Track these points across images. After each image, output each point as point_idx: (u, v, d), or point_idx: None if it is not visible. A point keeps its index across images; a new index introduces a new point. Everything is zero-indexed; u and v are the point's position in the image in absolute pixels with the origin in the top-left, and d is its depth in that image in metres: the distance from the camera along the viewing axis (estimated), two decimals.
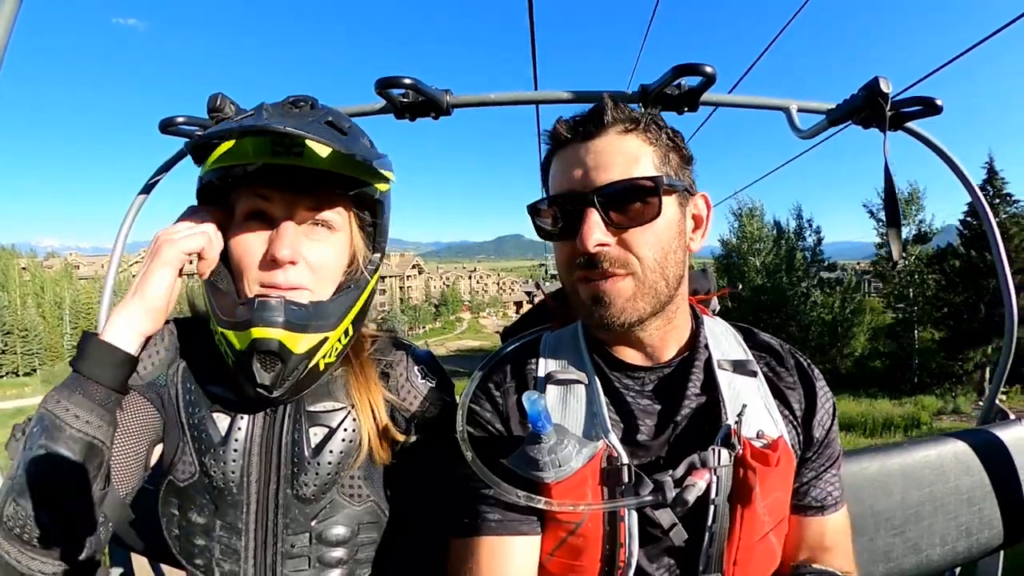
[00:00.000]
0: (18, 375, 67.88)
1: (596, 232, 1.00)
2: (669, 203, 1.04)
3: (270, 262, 1.03)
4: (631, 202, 1.01)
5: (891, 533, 1.62)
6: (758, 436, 1.03)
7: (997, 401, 1.92)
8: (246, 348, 1.01)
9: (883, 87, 1.48)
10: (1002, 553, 1.79)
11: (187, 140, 1.06)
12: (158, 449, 1.16)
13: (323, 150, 0.98)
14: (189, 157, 1.11)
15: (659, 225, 1.02)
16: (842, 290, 32.85)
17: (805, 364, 1.17)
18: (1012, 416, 1.88)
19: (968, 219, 26.64)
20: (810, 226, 34.45)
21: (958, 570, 1.80)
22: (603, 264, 1.02)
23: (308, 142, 0.97)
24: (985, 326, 24.92)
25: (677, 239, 1.06)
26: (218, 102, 1.39)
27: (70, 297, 74.87)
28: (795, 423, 1.11)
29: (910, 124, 1.73)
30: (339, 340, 1.11)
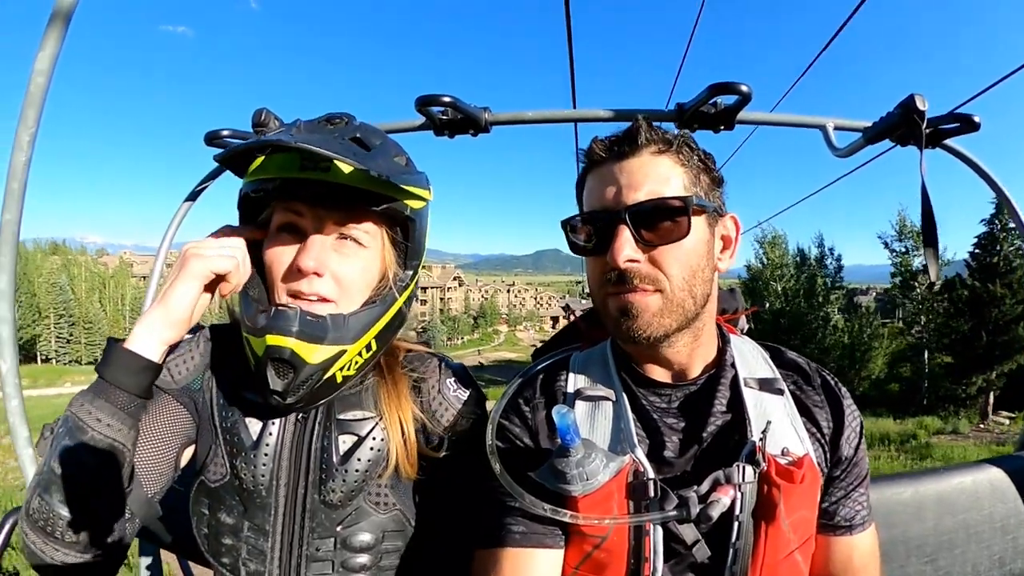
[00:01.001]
0: (80, 363, 70.85)
1: (627, 248, 1.01)
2: (698, 223, 1.05)
3: (296, 272, 1.05)
4: (661, 221, 1.02)
5: (923, 561, 1.56)
6: (783, 453, 1.01)
7: None
8: (262, 354, 1.04)
9: (919, 104, 1.45)
10: None
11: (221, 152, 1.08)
12: (189, 451, 1.18)
13: (346, 166, 0.99)
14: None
15: (687, 244, 1.04)
16: (860, 315, 33.33)
17: (832, 383, 1.15)
18: None
19: (976, 251, 27.12)
20: (831, 254, 35.25)
21: None
22: (633, 280, 1.03)
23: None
24: (988, 353, 25.19)
25: (705, 258, 1.07)
26: (262, 117, 1.42)
27: (130, 294, 77.67)
28: (822, 441, 1.08)
29: (948, 142, 1.68)
30: (359, 354, 1.11)
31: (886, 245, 31.69)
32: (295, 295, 1.06)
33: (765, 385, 1.10)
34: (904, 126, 1.50)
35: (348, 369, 1.11)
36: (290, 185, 1.04)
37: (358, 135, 1.04)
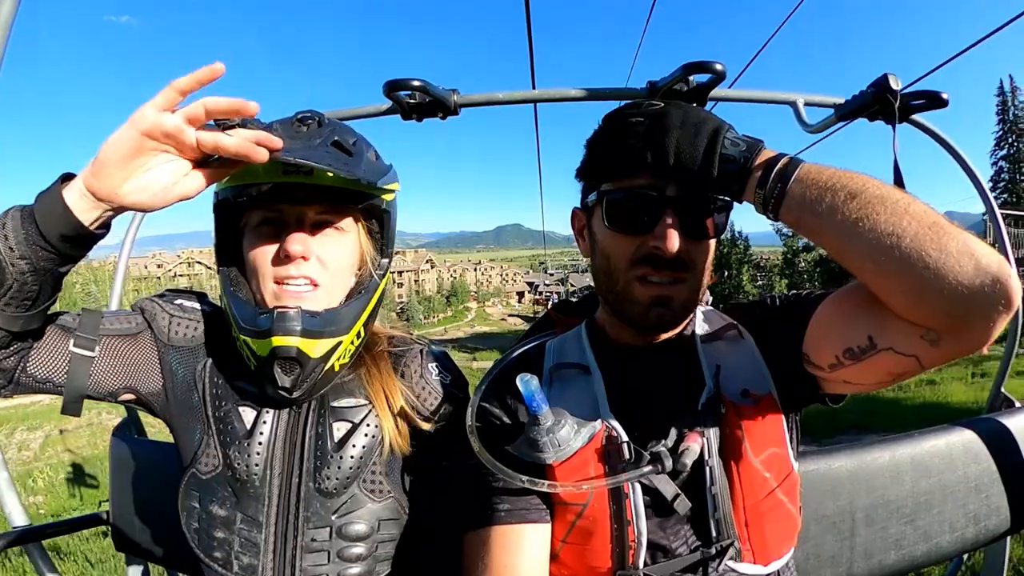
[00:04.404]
0: None
1: (677, 236, 0.97)
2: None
3: (283, 259, 1.03)
4: (708, 216, 1.00)
5: (902, 521, 1.57)
6: (744, 395, 1.02)
7: (1002, 389, 1.90)
8: (267, 355, 1.02)
9: (892, 84, 1.47)
10: (1008, 539, 1.75)
11: None
12: (128, 396, 1.14)
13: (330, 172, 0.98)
14: None
15: (714, 242, 1.05)
16: (761, 284, 42.15)
17: (757, 298, 1.18)
18: (1017, 404, 1.84)
19: None
20: (740, 235, 43.07)
21: (966, 556, 1.77)
22: (678, 268, 1.00)
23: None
24: None
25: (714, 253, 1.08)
26: None
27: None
28: (776, 331, 1.06)
29: (915, 116, 1.69)
30: (352, 343, 1.11)
31: (778, 231, 38.80)
32: (283, 280, 1.04)
33: (719, 334, 1.12)
34: (877, 104, 1.51)
35: (343, 357, 1.11)
36: (272, 188, 1.02)
37: (336, 138, 1.03)
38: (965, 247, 0.71)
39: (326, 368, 1.08)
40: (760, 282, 41.79)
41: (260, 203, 1.05)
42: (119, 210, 0.89)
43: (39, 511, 10.68)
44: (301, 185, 1.01)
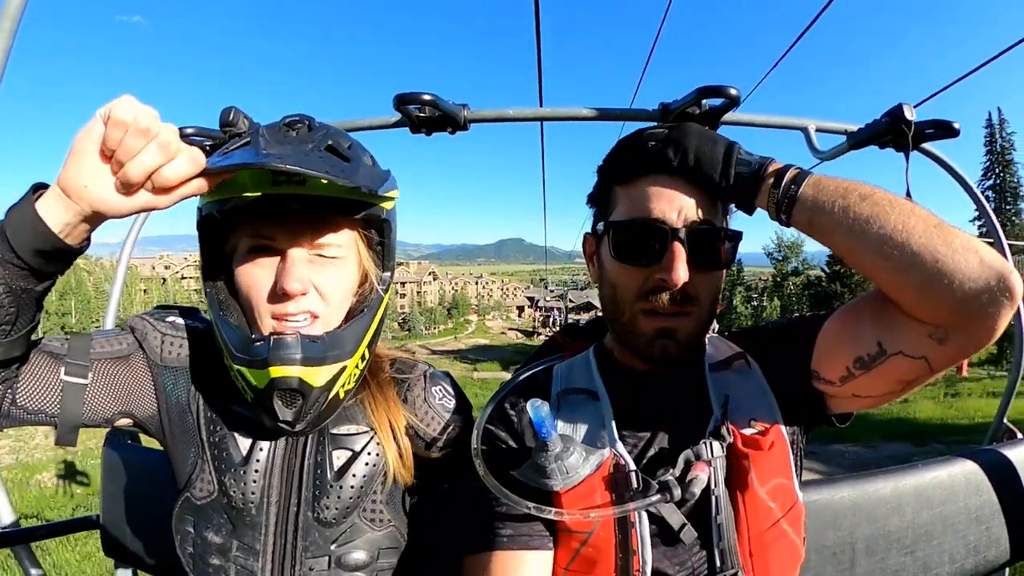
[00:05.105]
0: None
1: (685, 268, 0.96)
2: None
3: (280, 295, 0.95)
4: (717, 246, 1.00)
5: (902, 553, 1.54)
6: (751, 424, 1.01)
7: (1004, 420, 1.89)
8: (265, 386, 0.95)
9: (907, 114, 1.47)
10: (1007, 570, 1.73)
11: None
12: (125, 421, 1.08)
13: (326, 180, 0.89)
14: None
15: (722, 273, 1.05)
16: (754, 305, 46.15)
17: (752, 321, 1.16)
18: (1020, 435, 1.83)
19: (828, 259, 39.78)
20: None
21: None
22: (682, 301, 0.99)
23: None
24: None
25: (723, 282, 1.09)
26: (231, 116, 1.30)
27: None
28: (779, 352, 1.07)
29: (925, 144, 1.70)
30: (356, 366, 1.04)
31: (769, 255, 43.76)
32: (282, 317, 0.96)
33: (727, 363, 1.10)
34: (891, 134, 1.51)
35: (348, 383, 1.04)
36: (260, 200, 0.93)
37: (330, 142, 0.94)
38: (969, 244, 0.76)
39: (330, 396, 1.01)
40: (754, 302, 44.92)
41: (249, 219, 0.97)
42: (93, 218, 0.81)
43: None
44: (294, 197, 0.93)
